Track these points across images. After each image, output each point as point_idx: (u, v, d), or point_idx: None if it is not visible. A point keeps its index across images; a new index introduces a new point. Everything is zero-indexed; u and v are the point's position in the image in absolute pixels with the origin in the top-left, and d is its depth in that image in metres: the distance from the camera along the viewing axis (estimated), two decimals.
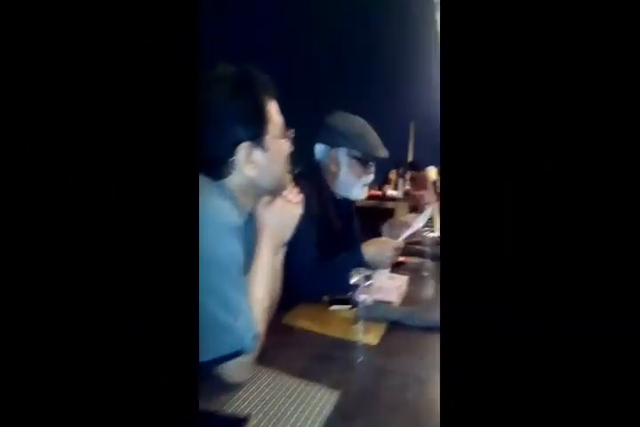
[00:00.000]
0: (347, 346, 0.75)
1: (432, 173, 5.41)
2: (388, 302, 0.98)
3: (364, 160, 1.17)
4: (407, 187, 4.72)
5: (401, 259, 1.42)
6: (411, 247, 1.64)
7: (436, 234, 1.51)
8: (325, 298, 0.97)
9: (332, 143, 1.16)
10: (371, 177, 1.22)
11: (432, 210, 1.28)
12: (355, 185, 1.19)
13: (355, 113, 1.21)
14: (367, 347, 0.75)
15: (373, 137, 1.17)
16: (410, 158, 7.00)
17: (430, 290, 1.15)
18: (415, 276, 1.25)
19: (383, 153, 1.18)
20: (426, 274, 1.27)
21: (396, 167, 5.26)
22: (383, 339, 0.78)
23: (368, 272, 0.79)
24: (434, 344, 0.77)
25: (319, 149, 1.19)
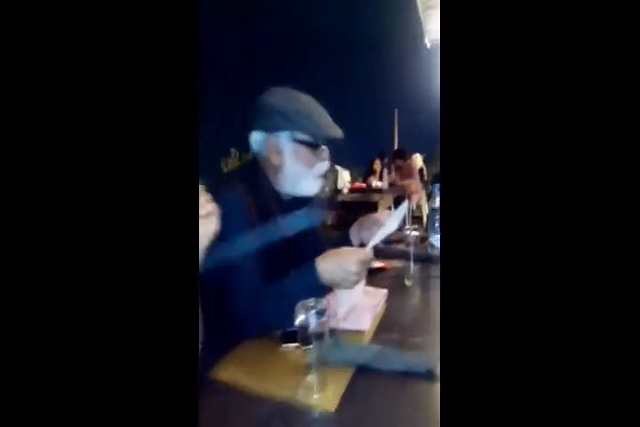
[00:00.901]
0: (291, 418, 0.52)
1: (418, 160, 5.21)
2: (359, 332, 0.75)
3: (312, 144, 0.90)
4: (393, 176, 4.50)
5: (379, 264, 1.20)
6: (391, 248, 1.42)
7: (419, 232, 1.28)
8: (276, 333, 0.73)
9: (271, 127, 0.90)
10: (325, 165, 0.95)
11: (409, 205, 1.03)
12: (305, 177, 0.92)
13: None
14: (321, 417, 0.52)
15: (321, 114, 0.91)
16: (395, 146, 6.81)
17: (414, 309, 0.92)
18: (396, 286, 1.02)
19: (336, 132, 0.91)
20: (409, 283, 1.04)
21: (381, 157, 5.05)
22: (345, 399, 0.55)
23: (320, 304, 0.56)
24: (418, 401, 0.54)
25: (256, 137, 0.93)
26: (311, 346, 0.57)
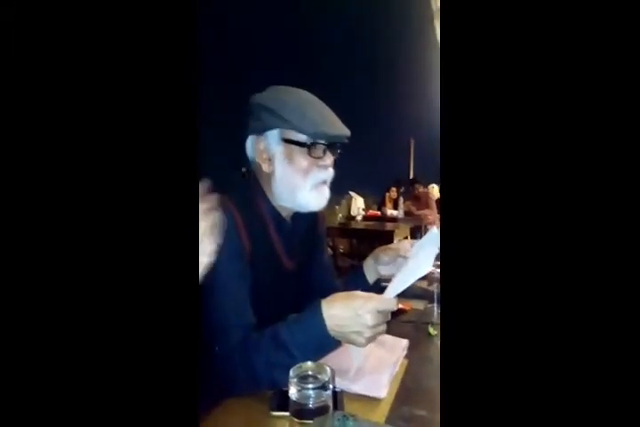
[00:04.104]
0: None
1: (435, 190, 5.06)
2: (374, 400, 0.58)
3: (307, 144, 0.70)
4: (409, 205, 4.34)
5: (399, 305, 1.02)
6: (412, 286, 1.24)
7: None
8: (267, 394, 0.57)
9: (260, 128, 0.73)
10: (326, 174, 0.74)
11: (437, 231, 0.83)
12: (300, 186, 0.72)
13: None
14: None
15: (318, 110, 0.72)
16: (411, 175, 6.68)
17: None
18: (419, 335, 0.85)
19: (335, 129, 0.71)
20: (434, 332, 0.86)
21: (397, 185, 4.91)
22: None
23: (321, 374, 0.40)
24: None
25: (249, 143, 0.76)
26: (310, 422, 0.40)
